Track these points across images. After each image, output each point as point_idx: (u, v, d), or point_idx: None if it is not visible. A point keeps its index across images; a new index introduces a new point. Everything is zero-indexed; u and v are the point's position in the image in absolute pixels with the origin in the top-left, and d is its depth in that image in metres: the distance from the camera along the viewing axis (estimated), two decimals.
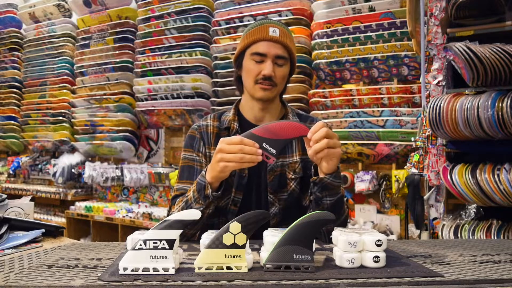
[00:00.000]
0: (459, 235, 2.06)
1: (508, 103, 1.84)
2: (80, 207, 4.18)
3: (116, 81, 4.04)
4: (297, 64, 3.06)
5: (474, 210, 2.19)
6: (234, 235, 0.83)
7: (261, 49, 1.26)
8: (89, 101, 4.22)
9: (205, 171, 1.16)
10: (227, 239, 0.83)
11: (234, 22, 3.42)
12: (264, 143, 1.04)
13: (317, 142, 1.06)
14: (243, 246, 0.83)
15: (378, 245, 0.87)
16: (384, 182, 2.89)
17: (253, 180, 1.31)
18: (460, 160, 2.13)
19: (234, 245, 0.83)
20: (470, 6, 2.07)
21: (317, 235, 1.19)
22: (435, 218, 2.26)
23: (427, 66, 2.27)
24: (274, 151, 1.05)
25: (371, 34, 2.84)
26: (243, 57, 1.32)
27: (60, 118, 4.46)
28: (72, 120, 4.35)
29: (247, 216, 0.84)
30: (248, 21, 3.32)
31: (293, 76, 3.23)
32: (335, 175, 1.13)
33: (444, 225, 2.16)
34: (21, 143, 4.93)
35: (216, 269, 0.83)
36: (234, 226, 0.83)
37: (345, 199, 1.35)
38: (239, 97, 1.42)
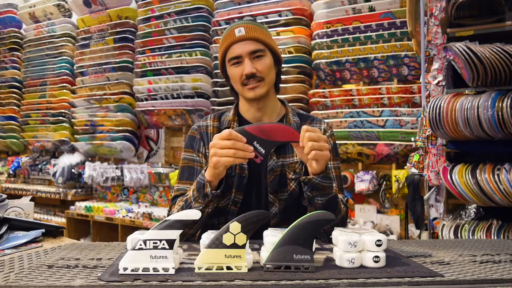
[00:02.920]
0: (459, 235, 2.06)
1: (508, 103, 1.84)
2: (80, 207, 4.18)
3: (116, 81, 4.04)
4: (297, 64, 3.10)
5: (474, 210, 2.19)
6: (234, 235, 0.83)
7: (233, 53, 1.28)
8: (89, 101, 4.23)
9: (205, 170, 1.16)
10: (227, 239, 0.83)
11: (234, 22, 3.42)
12: (255, 142, 1.05)
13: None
14: (243, 246, 0.83)
15: (378, 245, 0.87)
16: (384, 182, 2.89)
17: (253, 180, 1.31)
18: (460, 160, 2.13)
19: (234, 245, 0.83)
20: (470, 6, 2.07)
21: (317, 235, 1.20)
22: (435, 218, 2.26)
23: (427, 66, 2.27)
24: (263, 151, 1.05)
25: (371, 34, 2.84)
26: (225, 66, 1.35)
27: (60, 118, 4.46)
28: (72, 120, 4.35)
29: (247, 216, 0.84)
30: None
31: (293, 76, 3.25)
32: (323, 175, 1.13)
33: (444, 225, 2.16)
34: (21, 143, 4.93)
35: (216, 269, 0.83)
36: (234, 226, 0.83)
37: (345, 199, 1.35)
38: None
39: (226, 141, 1.06)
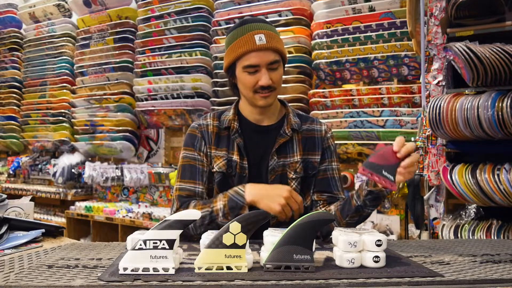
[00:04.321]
0: (459, 235, 2.06)
1: (508, 103, 1.84)
2: (80, 207, 4.18)
3: (116, 81, 4.04)
4: (297, 64, 3.09)
5: (474, 210, 2.19)
6: (234, 235, 0.83)
7: (252, 61, 1.24)
8: (89, 101, 4.22)
9: (243, 191, 1.20)
10: (227, 239, 0.83)
11: (234, 22, 3.42)
12: (383, 170, 1.04)
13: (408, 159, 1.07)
14: (243, 246, 0.84)
15: (378, 245, 0.87)
16: None
17: (254, 180, 1.31)
18: (460, 160, 2.13)
19: (234, 245, 0.83)
20: (470, 6, 2.07)
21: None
22: (435, 218, 2.26)
23: (427, 66, 2.27)
24: (392, 177, 1.04)
25: (371, 34, 2.83)
26: (234, 67, 1.30)
27: (60, 118, 4.46)
28: (72, 120, 4.35)
29: (247, 216, 0.84)
30: None
31: (293, 76, 3.23)
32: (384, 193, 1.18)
33: (444, 225, 2.16)
34: (21, 143, 4.92)
35: (216, 269, 0.83)
36: (234, 226, 0.83)
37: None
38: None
39: (298, 203, 1.17)
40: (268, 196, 1.16)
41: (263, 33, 1.24)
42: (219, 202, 1.20)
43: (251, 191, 1.18)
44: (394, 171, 1.05)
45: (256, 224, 0.85)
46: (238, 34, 1.26)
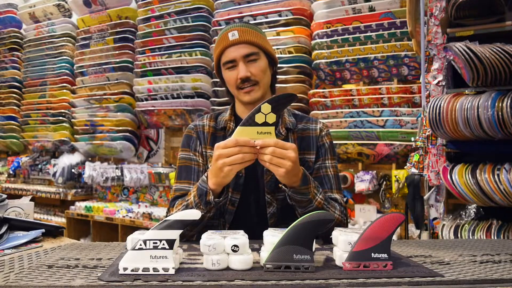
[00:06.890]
0: (459, 235, 2.06)
1: (508, 103, 1.84)
2: (80, 207, 4.18)
3: (116, 81, 4.04)
4: (297, 64, 3.09)
5: (474, 210, 2.19)
6: (265, 114, 0.95)
7: (228, 57, 1.28)
8: (89, 101, 4.23)
9: (206, 177, 1.15)
10: (259, 118, 0.96)
11: (234, 22, 3.41)
12: (372, 253, 0.87)
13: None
14: (273, 124, 0.98)
15: None
16: (384, 182, 2.88)
17: (250, 180, 1.31)
18: (460, 160, 2.13)
19: (265, 124, 0.97)
20: (470, 6, 2.07)
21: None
22: (435, 218, 2.26)
23: (427, 66, 2.27)
24: (386, 256, 0.87)
25: (371, 34, 2.84)
26: (220, 69, 1.35)
27: (60, 118, 4.46)
28: (72, 120, 4.35)
29: (276, 97, 0.97)
30: (248, 21, 3.33)
31: (293, 76, 3.24)
32: (294, 190, 1.12)
33: (444, 225, 2.16)
34: (21, 143, 4.93)
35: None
36: (265, 106, 0.96)
37: (345, 199, 1.35)
38: None
39: (232, 148, 1.03)
40: (212, 170, 1.11)
41: (237, 29, 1.29)
42: (192, 194, 1.19)
43: (209, 174, 1.14)
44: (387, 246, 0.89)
45: (284, 105, 0.98)
46: (218, 37, 1.34)
